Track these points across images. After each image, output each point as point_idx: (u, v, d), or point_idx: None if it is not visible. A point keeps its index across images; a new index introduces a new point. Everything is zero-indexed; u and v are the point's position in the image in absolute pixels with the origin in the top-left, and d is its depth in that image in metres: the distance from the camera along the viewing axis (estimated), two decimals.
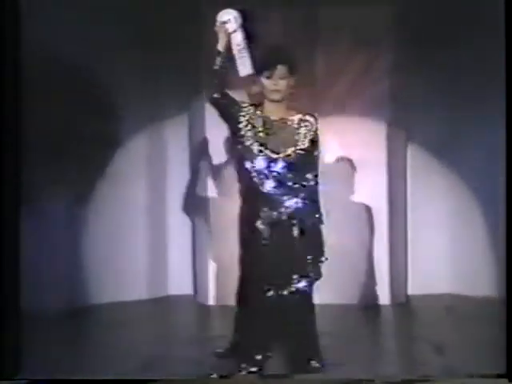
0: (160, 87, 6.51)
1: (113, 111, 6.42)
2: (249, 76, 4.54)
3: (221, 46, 4.52)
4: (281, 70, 4.45)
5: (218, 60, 4.47)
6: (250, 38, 4.56)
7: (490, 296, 5.94)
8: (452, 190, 6.62)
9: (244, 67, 4.55)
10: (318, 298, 4.48)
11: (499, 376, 4.35)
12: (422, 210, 6.63)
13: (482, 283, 6.21)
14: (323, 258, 4.55)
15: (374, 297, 6.28)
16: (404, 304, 6.34)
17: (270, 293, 4.50)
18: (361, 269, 6.29)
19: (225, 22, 4.52)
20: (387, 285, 6.24)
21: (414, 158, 6.60)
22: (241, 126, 4.55)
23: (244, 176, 4.60)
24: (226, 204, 5.73)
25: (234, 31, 4.52)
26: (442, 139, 6.51)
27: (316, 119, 4.56)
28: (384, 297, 6.23)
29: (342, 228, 5.96)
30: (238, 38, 4.54)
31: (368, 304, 6.17)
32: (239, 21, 4.52)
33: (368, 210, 6.36)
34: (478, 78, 6.15)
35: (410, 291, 6.46)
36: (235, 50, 4.54)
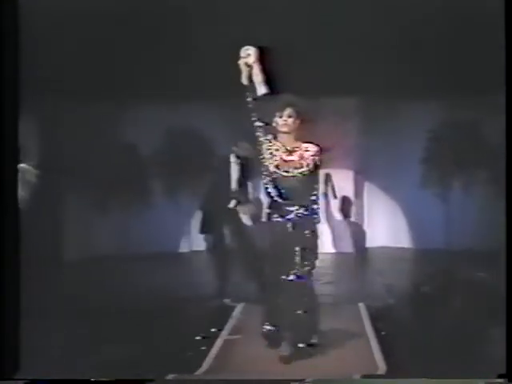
0: None
1: None
2: (264, 95, 4.91)
3: (245, 79, 4.89)
4: (289, 111, 4.88)
5: (247, 93, 4.91)
6: (265, 69, 4.93)
7: (406, 247, 8.02)
8: (388, 201, 8.26)
9: (260, 88, 4.96)
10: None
11: (499, 376, 4.33)
12: (373, 215, 8.30)
13: (403, 240, 8.10)
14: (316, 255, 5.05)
15: (349, 248, 8.31)
16: (364, 252, 8.20)
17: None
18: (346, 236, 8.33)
19: (246, 56, 4.98)
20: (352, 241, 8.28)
21: (369, 190, 8.32)
22: (262, 150, 4.95)
23: (263, 188, 5.02)
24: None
25: (253, 62, 4.94)
26: (385, 180, 8.13)
27: (319, 147, 4.87)
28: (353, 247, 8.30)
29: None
30: (255, 67, 4.93)
31: (345, 252, 8.20)
32: (256, 54, 4.95)
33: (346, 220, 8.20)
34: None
35: (368, 245, 8.22)
36: (254, 75, 4.94)
